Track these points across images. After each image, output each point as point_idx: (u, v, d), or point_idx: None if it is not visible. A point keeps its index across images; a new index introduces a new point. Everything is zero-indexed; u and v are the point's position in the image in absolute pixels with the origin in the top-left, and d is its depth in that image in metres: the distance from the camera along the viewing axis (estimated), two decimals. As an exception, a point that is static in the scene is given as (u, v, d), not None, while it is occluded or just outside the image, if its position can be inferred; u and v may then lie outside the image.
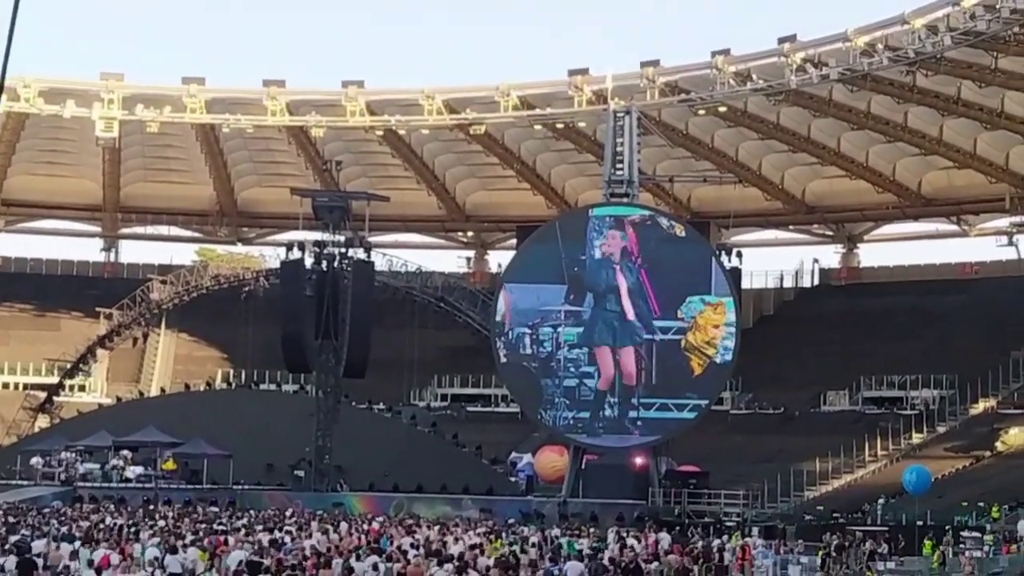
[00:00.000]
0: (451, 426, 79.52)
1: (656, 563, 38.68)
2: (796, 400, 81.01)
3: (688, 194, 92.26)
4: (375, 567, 31.31)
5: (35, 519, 45.45)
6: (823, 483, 69.05)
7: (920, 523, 56.22)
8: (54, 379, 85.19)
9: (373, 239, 77.23)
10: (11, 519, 44.69)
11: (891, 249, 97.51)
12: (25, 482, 66.78)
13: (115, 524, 43.23)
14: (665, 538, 46.98)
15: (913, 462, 66.13)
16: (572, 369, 66.80)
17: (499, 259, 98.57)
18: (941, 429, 74.73)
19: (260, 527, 43.78)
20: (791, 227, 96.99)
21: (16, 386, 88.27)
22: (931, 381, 78.48)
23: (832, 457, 69.91)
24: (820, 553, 46.04)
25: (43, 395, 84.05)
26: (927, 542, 51.08)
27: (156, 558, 31.92)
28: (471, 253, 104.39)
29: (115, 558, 31.19)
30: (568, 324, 67.03)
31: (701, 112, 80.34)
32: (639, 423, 65.69)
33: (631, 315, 66.08)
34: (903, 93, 75.34)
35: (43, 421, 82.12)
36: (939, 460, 68.40)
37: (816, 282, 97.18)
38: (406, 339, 77.43)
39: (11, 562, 30.32)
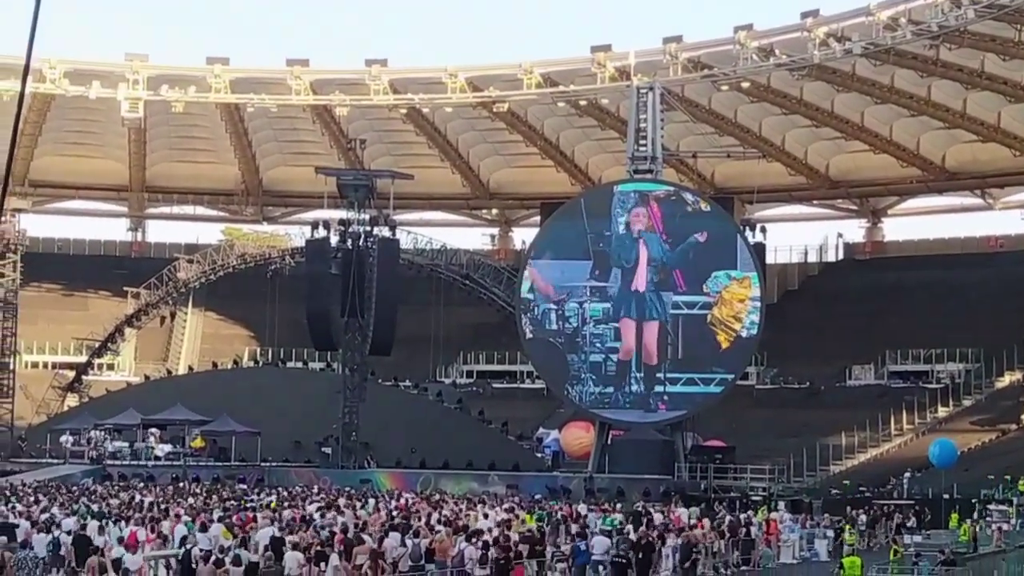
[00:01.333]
0: (477, 403, 79.88)
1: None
2: (821, 374, 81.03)
3: (712, 170, 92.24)
4: (403, 543, 31.65)
5: (65, 497, 45.91)
6: (849, 457, 69.18)
7: (947, 496, 56.35)
8: (82, 358, 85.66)
9: (398, 217, 77.44)
10: (41, 497, 45.20)
11: (915, 223, 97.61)
12: (55, 460, 67.32)
13: (144, 502, 43.66)
14: (685, 512, 47.29)
15: (939, 435, 66.22)
16: (598, 344, 66.93)
17: (523, 236, 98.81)
18: (967, 402, 74.76)
19: (288, 504, 44.17)
20: (815, 202, 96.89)
21: (45, 365, 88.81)
22: (956, 355, 78.49)
23: (858, 431, 70.03)
24: (846, 526, 46.18)
25: (72, 374, 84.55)
26: (954, 515, 51.25)
27: (185, 536, 32.25)
28: (495, 230, 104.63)
29: (142, 534, 31.60)
30: (594, 300, 67.16)
31: (724, 87, 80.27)
32: (665, 398, 65.83)
33: (642, 286, 66.18)
34: (927, 67, 75.17)
35: (72, 400, 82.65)
36: (965, 433, 68.46)
37: (840, 256, 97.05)
38: (431, 316, 77.72)
39: (66, 537, 30.87)
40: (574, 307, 67.37)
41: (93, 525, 33.35)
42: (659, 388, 65.92)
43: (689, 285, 65.82)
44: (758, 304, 65.53)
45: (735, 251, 66.02)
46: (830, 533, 46.34)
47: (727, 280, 65.71)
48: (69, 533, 33.01)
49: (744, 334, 65.53)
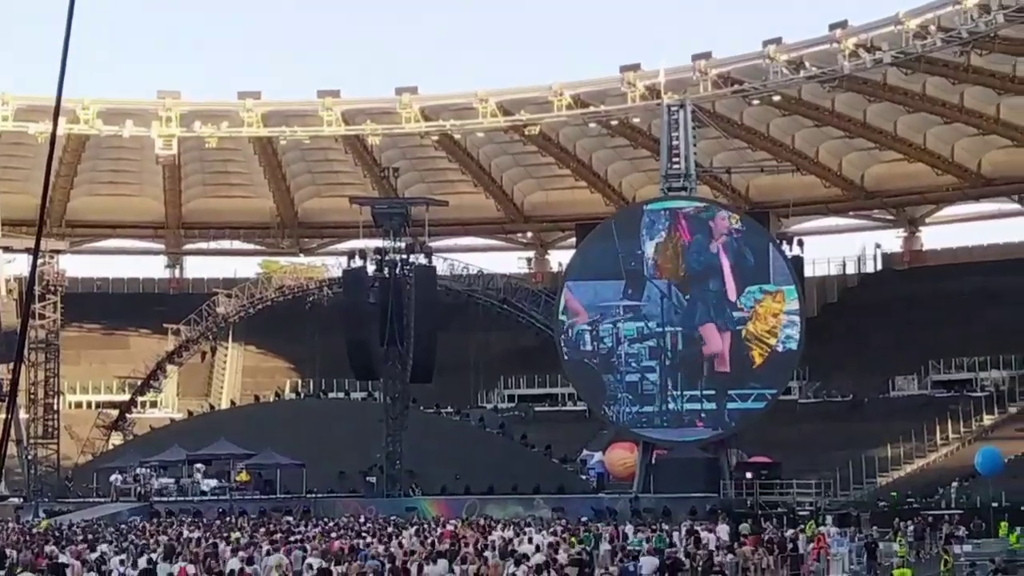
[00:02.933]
0: (519, 427, 79.80)
1: (731, 555, 38.77)
2: (865, 386, 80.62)
3: (746, 184, 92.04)
4: (450, 570, 31.60)
5: (113, 535, 46.08)
6: (895, 469, 68.79)
7: (995, 505, 55.92)
8: (125, 396, 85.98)
9: (433, 244, 77.64)
10: (90, 536, 45.37)
11: (953, 231, 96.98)
12: (102, 499, 67.62)
13: (192, 537, 43.78)
14: (724, 529, 47.04)
15: (985, 444, 65.79)
16: (634, 364, 67.00)
17: (560, 258, 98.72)
18: (1012, 410, 74.26)
19: (335, 535, 44.21)
20: (851, 213, 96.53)
21: (89, 405, 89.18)
22: (1000, 362, 77.97)
23: (903, 442, 69.62)
24: (898, 537, 45.85)
25: (115, 413, 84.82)
26: (1003, 523, 50.90)
27: (233, 570, 32.28)
28: (531, 254, 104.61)
29: (191, 569, 31.66)
30: (627, 319, 67.21)
31: (755, 102, 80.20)
32: (703, 415, 65.71)
33: (733, 295, 66.05)
34: (958, 74, 74.96)
35: (117, 438, 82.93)
36: (1011, 441, 67.89)
37: (879, 267, 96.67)
38: (471, 342, 77.75)
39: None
40: (608, 328, 67.43)
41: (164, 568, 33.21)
42: (695, 406, 65.88)
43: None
44: (795, 318, 65.35)
45: (768, 265, 65.90)
46: (880, 546, 46.03)
47: (760, 295, 65.61)
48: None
49: (780, 348, 65.35)
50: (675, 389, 66.29)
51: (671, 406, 66.31)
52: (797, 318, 65.47)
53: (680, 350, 66.58)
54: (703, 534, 43.51)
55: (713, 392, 65.84)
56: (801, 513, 58.18)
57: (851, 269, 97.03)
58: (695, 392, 66.06)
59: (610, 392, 67.35)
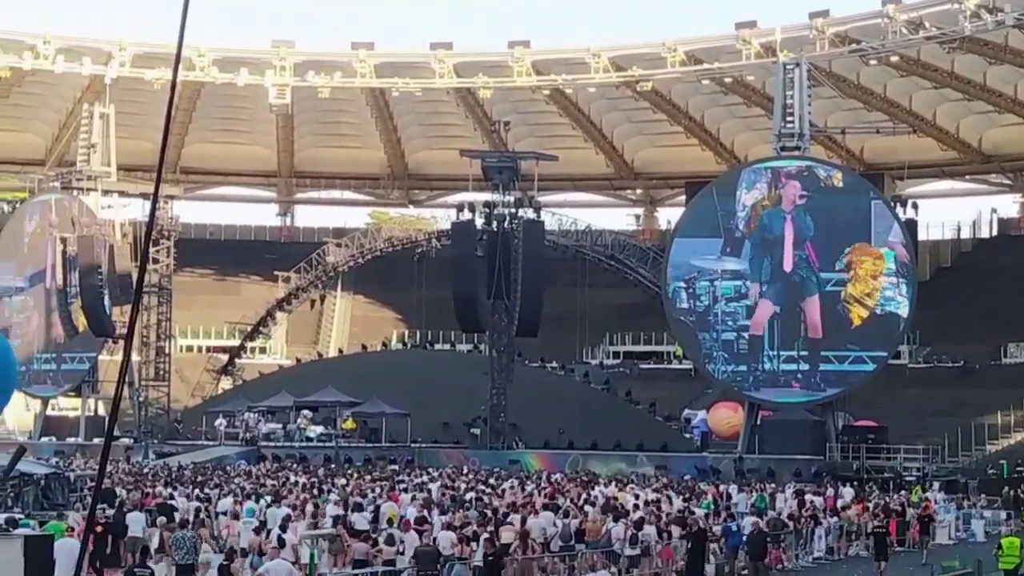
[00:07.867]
0: (624, 383, 79.66)
1: (835, 518, 38.56)
2: (976, 353, 79.39)
3: (860, 146, 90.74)
4: (553, 524, 31.76)
5: (221, 478, 46.81)
6: (1005, 437, 67.81)
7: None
8: (235, 342, 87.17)
9: (542, 198, 77.33)
10: (199, 478, 46.17)
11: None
12: (210, 442, 68.69)
13: (298, 482, 44.36)
14: (848, 492, 46.72)
15: (1098, 414, 64.70)
16: (730, 323, 66.43)
17: (669, 216, 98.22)
18: None
19: (438, 484, 44.53)
20: (967, 177, 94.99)
21: (199, 349, 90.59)
22: (1116, 330, 76.47)
23: (1014, 410, 68.58)
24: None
25: (225, 357, 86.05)
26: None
27: (336, 516, 32.65)
28: (640, 210, 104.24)
29: (293, 514, 32.12)
30: (725, 278, 66.71)
31: (872, 62, 79.01)
32: (799, 376, 64.94)
33: (788, 265, 65.32)
34: (1083, 36, 73.36)
35: (226, 383, 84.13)
36: (1125, 411, 66.74)
37: (994, 232, 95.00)
38: (577, 298, 77.63)
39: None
40: (705, 286, 66.98)
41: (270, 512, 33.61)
42: (792, 367, 65.13)
43: (823, 262, 64.93)
44: (894, 280, 64.25)
45: (870, 226, 64.91)
46: (987, 514, 45.55)
47: (861, 256, 64.66)
48: (224, 513, 33.68)
49: (878, 311, 64.32)
50: (771, 349, 65.66)
51: (767, 366, 65.68)
52: (895, 279, 64.32)
53: (778, 311, 65.81)
54: (809, 497, 43.21)
55: (807, 353, 65.08)
56: (907, 479, 57.59)
57: (966, 234, 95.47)
58: (791, 353, 65.28)
59: (706, 350, 67.03)
